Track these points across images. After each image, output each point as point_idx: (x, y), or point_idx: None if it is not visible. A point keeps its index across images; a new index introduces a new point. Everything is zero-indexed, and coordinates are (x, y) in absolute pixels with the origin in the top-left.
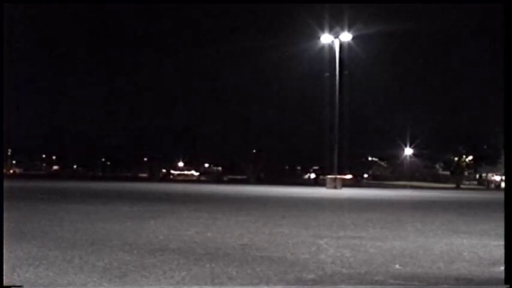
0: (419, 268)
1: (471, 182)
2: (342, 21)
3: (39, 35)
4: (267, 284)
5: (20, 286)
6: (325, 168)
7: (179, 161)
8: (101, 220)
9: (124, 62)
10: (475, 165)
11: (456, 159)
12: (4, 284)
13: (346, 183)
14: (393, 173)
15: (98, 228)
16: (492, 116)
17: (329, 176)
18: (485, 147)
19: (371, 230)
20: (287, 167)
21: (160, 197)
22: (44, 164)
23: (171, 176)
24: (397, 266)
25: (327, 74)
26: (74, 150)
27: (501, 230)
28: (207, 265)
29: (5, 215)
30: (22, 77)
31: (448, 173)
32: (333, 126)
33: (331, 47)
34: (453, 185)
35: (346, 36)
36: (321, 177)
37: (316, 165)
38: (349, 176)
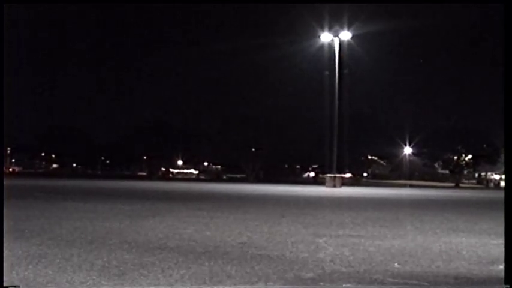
0: (418, 267)
1: (470, 181)
2: (342, 20)
3: (38, 34)
4: (266, 282)
5: (17, 286)
6: (324, 167)
7: (178, 160)
8: (99, 218)
9: (124, 61)
10: (474, 164)
11: (455, 158)
12: (4, 285)
13: (345, 182)
14: (392, 172)
15: (97, 227)
16: (491, 115)
17: (328, 175)
18: (484, 146)
19: (370, 228)
20: (286, 166)
21: (159, 195)
22: (43, 163)
23: (170, 175)
24: (396, 264)
25: (326, 73)
26: (73, 148)
27: (500, 229)
28: (206, 263)
29: (4, 213)
30: (22, 76)
31: (447, 171)
32: (333, 125)
33: (330, 46)
34: (452, 184)
35: (346, 35)
36: (320, 175)
37: (315, 164)
38: (348, 175)
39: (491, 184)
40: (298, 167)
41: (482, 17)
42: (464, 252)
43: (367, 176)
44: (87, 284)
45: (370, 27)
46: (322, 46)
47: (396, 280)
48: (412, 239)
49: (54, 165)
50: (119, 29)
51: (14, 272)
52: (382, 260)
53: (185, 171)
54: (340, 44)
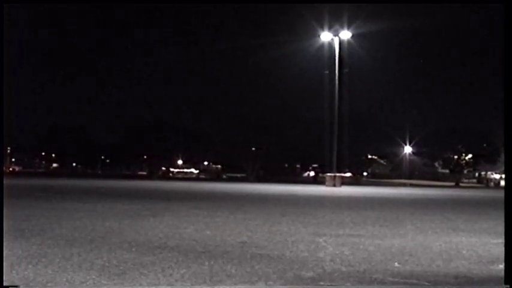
0: (418, 266)
1: (470, 180)
2: (342, 19)
3: (38, 34)
4: (266, 282)
5: (17, 286)
6: (324, 166)
7: (178, 159)
8: (100, 218)
9: (124, 61)
10: (474, 164)
11: (455, 157)
12: (4, 284)
13: (345, 181)
14: (392, 171)
15: (97, 226)
16: (491, 115)
17: (328, 174)
18: (484, 145)
19: (370, 228)
20: (286, 165)
21: (160, 195)
22: (43, 162)
23: (170, 174)
24: (396, 264)
25: (326, 72)
26: (73, 148)
27: (500, 228)
28: (206, 263)
29: (4, 213)
30: (21, 75)
31: (447, 171)
32: (333, 124)
33: (330, 45)
34: (452, 183)
35: (346, 34)
36: (320, 175)
37: (315, 163)
38: (348, 174)
39: (491, 183)
40: (298, 166)
41: (483, 17)
42: (464, 252)
43: (367, 176)
44: (87, 283)
45: (370, 26)
46: (322, 45)
47: (396, 279)
48: (412, 238)
49: (54, 165)
50: (119, 29)
51: (14, 272)
52: (382, 260)
53: (185, 170)
54: (340, 43)
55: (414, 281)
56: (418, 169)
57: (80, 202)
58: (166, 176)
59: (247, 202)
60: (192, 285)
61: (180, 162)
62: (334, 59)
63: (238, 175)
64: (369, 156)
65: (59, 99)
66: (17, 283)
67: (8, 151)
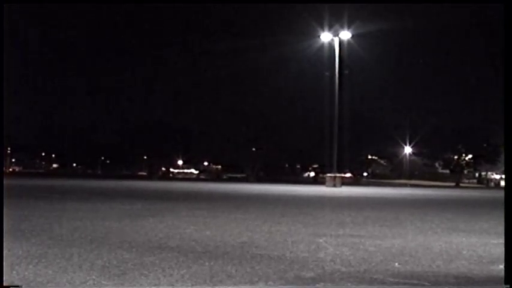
0: (419, 266)
1: (471, 181)
2: (342, 19)
3: (39, 34)
4: (266, 282)
5: (19, 286)
6: (324, 167)
7: (178, 159)
8: (100, 218)
9: (123, 60)
10: (474, 164)
11: (456, 157)
12: (4, 284)
13: (345, 182)
14: (393, 172)
15: (97, 226)
16: (492, 114)
17: (328, 175)
18: (484, 145)
19: (370, 228)
20: (286, 166)
21: (160, 195)
22: (43, 163)
23: (171, 174)
24: (396, 264)
25: (326, 74)
26: (73, 148)
27: (500, 229)
28: (206, 263)
29: (4, 213)
30: (21, 75)
31: (447, 171)
32: (333, 125)
33: (330, 45)
34: (453, 184)
35: (346, 35)
36: (321, 175)
37: (315, 164)
38: (348, 175)
39: (492, 184)
40: (298, 166)
41: (483, 17)
42: (464, 252)
43: (367, 176)
44: (88, 283)
45: (371, 26)
46: (322, 46)
47: (397, 280)
48: (413, 239)
49: (54, 165)
50: (119, 29)
51: (14, 272)
52: (383, 260)
53: (185, 171)
54: (340, 43)
55: (414, 281)
56: (418, 169)
57: (80, 202)
58: (167, 177)
59: (247, 202)
60: (192, 285)
61: (180, 162)
62: (334, 59)
63: (238, 175)
64: (369, 157)
65: (59, 99)
66: (17, 283)
67: (8, 151)
